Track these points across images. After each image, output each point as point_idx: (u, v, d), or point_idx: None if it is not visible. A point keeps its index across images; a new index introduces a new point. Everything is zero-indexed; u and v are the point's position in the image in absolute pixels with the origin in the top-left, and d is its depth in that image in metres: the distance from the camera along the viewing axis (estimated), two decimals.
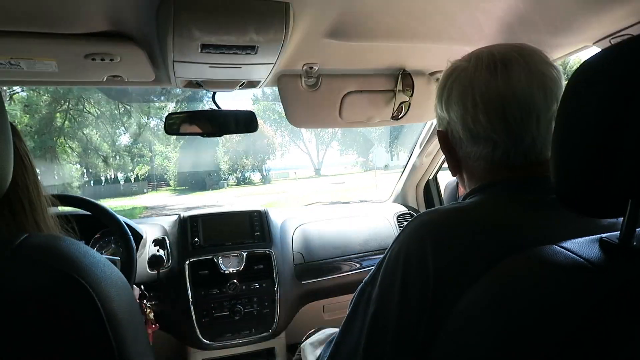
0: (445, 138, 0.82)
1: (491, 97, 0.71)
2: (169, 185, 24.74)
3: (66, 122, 13.98)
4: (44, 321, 0.47)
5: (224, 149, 22.98)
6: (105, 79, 1.26)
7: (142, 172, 24.57)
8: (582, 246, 0.52)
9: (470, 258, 0.62)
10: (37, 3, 0.89)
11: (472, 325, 0.55)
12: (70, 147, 14.54)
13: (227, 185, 24.49)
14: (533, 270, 0.53)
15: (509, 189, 0.73)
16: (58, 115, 13.73)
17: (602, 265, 0.48)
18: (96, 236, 1.74)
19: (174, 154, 24.45)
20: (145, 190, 23.52)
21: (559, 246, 0.53)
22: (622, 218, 0.49)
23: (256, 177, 26.63)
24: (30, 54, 1.08)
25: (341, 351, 0.77)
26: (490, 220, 0.66)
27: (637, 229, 0.49)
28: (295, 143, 28.74)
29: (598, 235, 0.53)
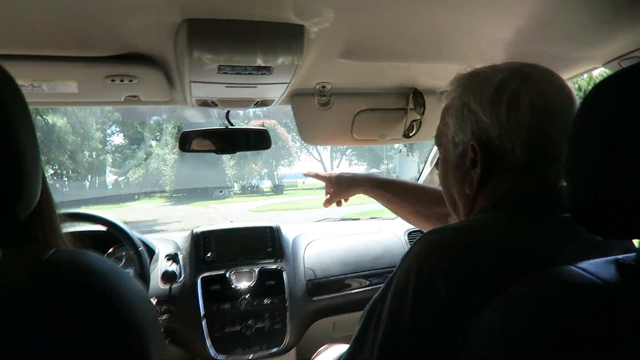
0: (483, 147, 0.75)
1: (517, 110, 0.71)
2: (164, 192, 22.48)
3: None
4: (72, 335, 0.48)
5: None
6: (123, 98, 1.30)
7: (135, 176, 23.02)
8: (599, 267, 0.51)
9: (483, 278, 0.61)
10: (60, 28, 0.92)
11: (489, 346, 0.54)
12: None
13: (233, 194, 22.59)
14: (549, 291, 0.52)
15: (523, 206, 0.72)
16: None
17: (618, 286, 0.48)
18: (109, 251, 1.77)
19: (172, 156, 22.50)
20: (136, 197, 21.34)
21: (575, 267, 0.52)
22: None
23: (266, 185, 24.80)
24: (52, 76, 1.12)
25: None
26: (503, 239, 0.65)
27: None
28: (308, 150, 27.32)
29: (614, 257, 0.53)
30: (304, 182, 27.07)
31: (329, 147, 27.20)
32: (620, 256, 0.52)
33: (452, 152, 0.82)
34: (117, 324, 0.51)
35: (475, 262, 0.63)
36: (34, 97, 1.21)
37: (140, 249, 1.62)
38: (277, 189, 24.59)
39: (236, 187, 23.53)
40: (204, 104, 1.39)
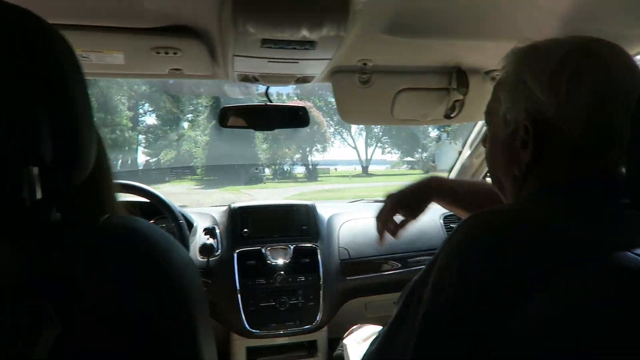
0: (536, 127, 0.71)
1: (577, 88, 0.67)
2: (195, 174, 21.62)
3: None
4: (124, 300, 0.49)
5: (262, 135, 19.99)
6: (167, 71, 1.32)
7: (167, 157, 22.30)
8: None
9: (531, 262, 0.59)
10: None
11: (542, 332, 0.53)
12: None
13: (266, 180, 21.55)
14: (607, 279, 0.51)
15: (578, 192, 0.68)
16: None
17: None
18: (151, 222, 1.82)
19: (203, 138, 21.66)
20: (166, 179, 20.53)
21: (633, 253, 0.50)
22: None
23: (299, 171, 23.70)
24: (100, 46, 1.14)
25: (389, 349, 0.75)
26: (552, 224, 0.62)
27: None
28: (342, 136, 26.19)
29: None
30: (335, 169, 26.45)
31: (363, 134, 26.55)
32: None
33: (503, 131, 0.78)
34: (166, 287, 0.52)
35: (522, 246, 0.61)
36: (83, 67, 1.24)
37: (181, 221, 1.66)
38: (311, 175, 23.73)
39: (268, 171, 22.85)
40: (245, 79, 1.39)
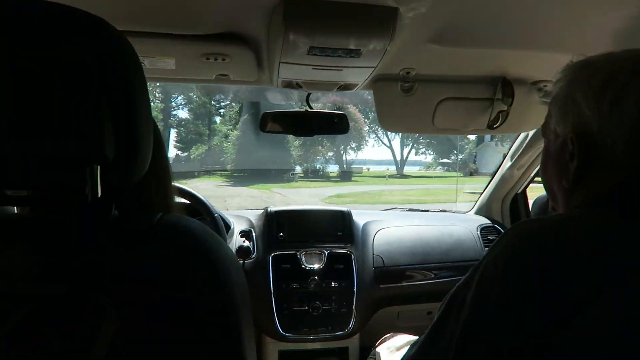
0: (582, 140, 0.73)
1: (630, 103, 0.66)
2: (225, 170, 21.13)
3: None
4: (176, 295, 0.51)
5: None
6: (214, 77, 1.35)
7: (197, 152, 21.79)
8: None
9: (579, 274, 0.58)
10: (164, 6, 0.98)
11: (594, 345, 0.52)
12: None
13: (298, 178, 20.63)
14: None
15: (627, 204, 0.68)
16: None
17: None
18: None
19: (234, 132, 21.04)
20: (195, 174, 20.14)
21: None
22: None
23: (331, 170, 22.50)
24: (153, 52, 1.19)
25: (429, 354, 0.75)
26: (596, 236, 0.62)
27: None
28: (377, 135, 25.39)
29: None
30: (368, 169, 25.62)
31: (399, 133, 25.74)
32: None
33: (554, 143, 0.80)
34: (215, 284, 0.54)
35: (569, 256, 0.60)
36: None
37: (220, 224, 1.69)
38: (345, 175, 22.77)
39: (299, 169, 21.99)
40: (289, 85, 1.41)
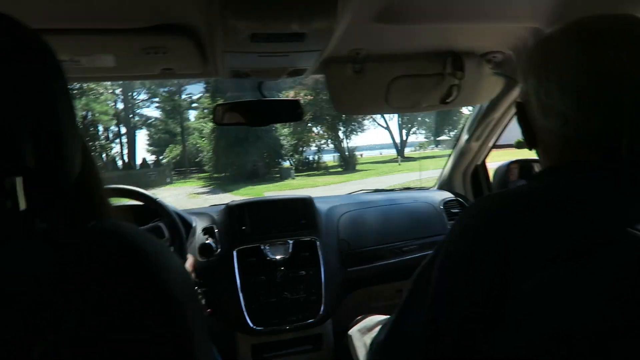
0: (522, 110, 0.77)
1: (569, 71, 0.66)
2: (203, 172, 18.68)
3: None
4: (111, 303, 0.48)
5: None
6: (159, 71, 1.30)
7: (172, 154, 19.71)
8: None
9: (542, 243, 0.58)
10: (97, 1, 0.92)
11: (546, 309, 0.52)
12: None
13: (294, 174, 17.53)
14: (621, 258, 0.50)
15: (582, 171, 0.68)
16: None
17: None
18: (148, 226, 1.80)
19: (208, 126, 18.31)
20: (167, 180, 18.01)
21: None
22: None
23: (329, 159, 19.52)
24: (90, 49, 1.13)
25: (400, 333, 0.76)
26: (563, 204, 0.62)
27: None
28: (373, 117, 22.80)
29: None
30: (361, 155, 22.92)
31: (395, 114, 23.29)
32: None
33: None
34: (156, 294, 0.51)
35: (535, 223, 0.61)
36: (73, 72, 1.23)
37: (176, 223, 1.64)
38: (348, 164, 19.64)
39: (287, 164, 18.95)
40: (237, 74, 1.37)
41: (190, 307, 0.55)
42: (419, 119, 24.94)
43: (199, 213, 2.00)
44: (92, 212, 0.61)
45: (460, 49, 1.42)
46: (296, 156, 18.69)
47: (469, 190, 2.32)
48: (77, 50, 1.11)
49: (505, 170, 1.78)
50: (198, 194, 15.48)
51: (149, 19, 1.03)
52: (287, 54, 1.18)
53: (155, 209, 1.65)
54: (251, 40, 1.04)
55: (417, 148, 25.14)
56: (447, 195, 2.26)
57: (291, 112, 1.60)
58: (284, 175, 17.44)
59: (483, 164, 2.28)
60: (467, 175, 2.31)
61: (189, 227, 1.84)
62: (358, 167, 19.78)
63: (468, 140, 2.10)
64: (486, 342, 0.60)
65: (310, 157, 19.37)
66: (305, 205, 1.98)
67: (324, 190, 13.16)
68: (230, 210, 1.93)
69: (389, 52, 1.40)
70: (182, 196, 14.95)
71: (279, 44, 1.08)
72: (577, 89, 0.66)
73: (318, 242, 1.88)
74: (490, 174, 2.26)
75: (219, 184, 16.73)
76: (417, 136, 25.73)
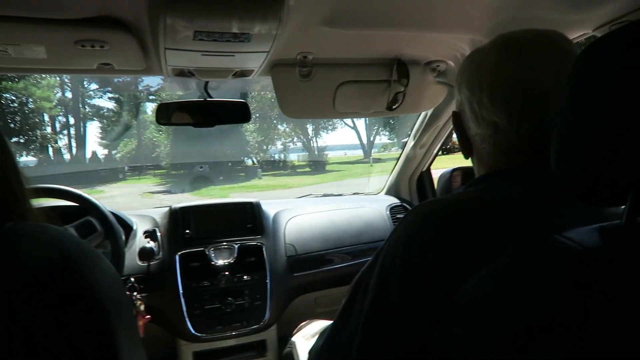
0: (458, 119, 0.81)
1: (497, 81, 0.70)
2: (160, 168, 17.45)
3: None
4: (31, 309, 0.45)
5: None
6: (95, 66, 1.23)
7: (127, 149, 18.61)
8: (583, 235, 0.50)
9: (473, 247, 0.60)
10: None
11: (466, 319, 0.53)
12: None
13: (261, 174, 16.38)
14: (532, 262, 0.51)
15: (513, 177, 0.71)
16: None
17: (601, 253, 0.47)
18: (78, 222, 1.68)
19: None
20: (120, 177, 16.73)
21: (561, 235, 0.51)
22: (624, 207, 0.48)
23: (296, 158, 18.71)
24: (19, 39, 1.05)
25: (336, 340, 0.76)
26: (493, 209, 0.64)
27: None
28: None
29: (599, 224, 0.52)
30: (326, 155, 21.92)
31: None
32: (605, 224, 0.51)
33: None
34: (79, 299, 0.48)
35: (463, 230, 0.62)
36: (2, 62, 1.15)
37: (112, 224, 1.57)
38: (317, 165, 18.77)
39: (249, 162, 18.00)
40: (181, 73, 1.33)
41: (117, 312, 0.52)
42: (383, 120, 24.34)
43: (140, 215, 1.92)
44: (9, 215, 0.57)
45: (405, 57, 1.44)
46: (261, 154, 17.98)
47: (415, 196, 2.37)
48: (4, 39, 1.03)
49: (448, 177, 1.83)
50: (153, 192, 14.11)
51: (83, 10, 0.97)
52: (232, 54, 1.16)
53: (90, 210, 1.57)
54: (194, 38, 1.01)
55: (382, 149, 24.28)
56: (394, 200, 2.30)
57: (238, 113, 1.57)
58: (249, 174, 16.40)
59: (428, 170, 2.33)
60: (413, 181, 2.36)
61: (129, 229, 1.76)
62: (327, 167, 19.33)
63: (413, 147, 2.15)
64: (423, 350, 0.60)
65: (276, 156, 18.72)
66: (252, 209, 1.95)
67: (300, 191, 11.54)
68: (174, 213, 1.88)
69: (336, 58, 1.40)
70: (134, 195, 13.57)
71: (223, 44, 1.06)
72: (506, 99, 0.69)
73: (264, 247, 1.85)
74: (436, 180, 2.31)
75: (177, 182, 15.55)
76: (381, 137, 24.85)
